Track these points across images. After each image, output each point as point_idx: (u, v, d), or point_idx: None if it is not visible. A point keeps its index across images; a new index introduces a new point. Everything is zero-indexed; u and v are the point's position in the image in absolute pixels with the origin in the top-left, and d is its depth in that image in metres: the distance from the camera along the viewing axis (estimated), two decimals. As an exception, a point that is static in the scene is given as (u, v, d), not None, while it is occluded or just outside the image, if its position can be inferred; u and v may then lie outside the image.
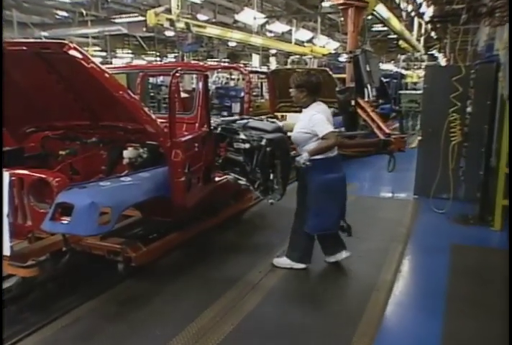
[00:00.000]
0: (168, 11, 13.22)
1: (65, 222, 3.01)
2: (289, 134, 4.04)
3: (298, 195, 4.06)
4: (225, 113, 14.53)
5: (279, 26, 21.54)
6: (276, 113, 8.76)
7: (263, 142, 3.87)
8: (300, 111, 3.96)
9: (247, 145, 4.01)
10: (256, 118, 4.57)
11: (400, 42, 21.10)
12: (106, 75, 3.17)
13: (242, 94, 14.05)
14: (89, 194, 3.12)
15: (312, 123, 3.72)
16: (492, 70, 5.41)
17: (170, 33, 17.97)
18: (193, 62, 18.41)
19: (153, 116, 3.58)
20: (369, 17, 11.83)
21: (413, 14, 17.93)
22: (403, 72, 22.61)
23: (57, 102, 3.74)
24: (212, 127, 4.29)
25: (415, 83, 18.55)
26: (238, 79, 21.09)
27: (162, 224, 4.47)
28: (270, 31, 22.50)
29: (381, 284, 3.86)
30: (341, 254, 4.14)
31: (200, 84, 4.33)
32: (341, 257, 4.15)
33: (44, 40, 3.54)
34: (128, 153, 3.89)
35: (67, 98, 3.59)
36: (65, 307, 3.44)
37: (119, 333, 3.13)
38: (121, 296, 3.65)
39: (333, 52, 24.92)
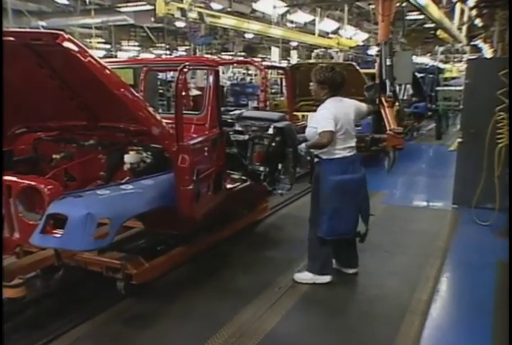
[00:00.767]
0: (179, -1, 13.25)
1: (58, 235, 2.96)
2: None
3: (312, 199, 4.15)
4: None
5: (301, 16, 21.48)
6: (295, 113, 8.68)
7: (270, 131, 3.99)
8: None
9: (246, 136, 4.13)
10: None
11: (439, 32, 20.82)
12: (106, 70, 3.12)
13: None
14: (85, 204, 3.07)
15: (317, 118, 3.90)
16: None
17: (180, 24, 18.02)
18: (206, 56, 18.48)
19: (158, 117, 3.54)
20: (404, 4, 11.68)
21: (454, -1, 17.63)
22: (441, 66, 22.35)
23: (51, 100, 3.72)
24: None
25: (452, 78, 18.29)
26: (255, 75, 21.08)
27: (167, 236, 4.45)
28: (291, 22, 22.47)
29: (416, 305, 3.79)
30: (326, 279, 4.17)
31: (211, 81, 4.29)
32: (325, 281, 4.17)
33: (34, 30, 3.54)
34: (129, 157, 3.84)
35: (61, 96, 3.55)
36: (63, 328, 3.40)
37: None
38: (123, 316, 3.62)
39: (361, 44, 24.78)
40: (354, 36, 24.12)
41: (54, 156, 4.10)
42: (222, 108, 4.53)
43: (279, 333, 3.38)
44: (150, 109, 3.50)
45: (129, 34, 23.98)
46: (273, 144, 4.47)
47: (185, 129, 3.88)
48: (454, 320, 3.67)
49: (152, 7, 13.67)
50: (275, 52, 22.39)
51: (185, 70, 3.70)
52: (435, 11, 15.18)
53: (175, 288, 4.04)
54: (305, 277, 4.16)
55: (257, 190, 5.13)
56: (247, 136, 4.06)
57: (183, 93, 5.76)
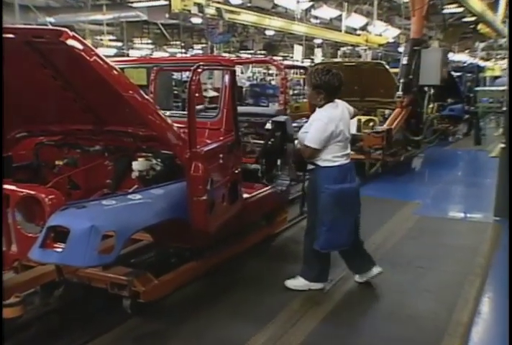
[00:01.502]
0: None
1: (59, 250, 2.93)
2: None
3: (308, 209, 4.25)
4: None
5: (327, 11, 21.45)
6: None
7: (268, 126, 4.17)
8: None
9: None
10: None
11: (479, 26, 20.58)
12: (113, 70, 3.11)
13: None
14: (89, 216, 3.05)
15: (309, 127, 4.01)
16: None
17: (197, 20, 18.10)
18: (223, 54, 18.53)
19: (169, 121, 3.52)
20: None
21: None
22: (481, 63, 22.06)
23: (54, 102, 3.72)
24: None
25: (494, 78, 18.01)
26: (276, 75, 21.10)
27: (177, 250, 4.44)
28: (316, 18, 22.47)
29: (454, 328, 3.71)
30: (371, 272, 4.36)
31: (227, 81, 4.26)
32: (373, 274, 4.36)
33: (36, 27, 3.56)
34: (138, 165, 3.82)
35: (65, 98, 3.55)
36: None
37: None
38: (129, 336, 3.59)
39: (391, 41, 24.63)
40: (384, 32, 24.00)
41: (57, 162, 4.13)
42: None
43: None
44: (161, 113, 3.48)
45: (141, 31, 24.21)
46: (272, 139, 4.65)
47: (199, 134, 3.86)
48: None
49: (167, 2, 13.75)
50: (298, 51, 22.38)
51: (199, 70, 3.67)
52: (476, 3, 14.95)
53: (186, 306, 4.01)
54: (299, 283, 4.26)
55: (276, 200, 5.11)
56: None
57: (197, 95, 5.80)
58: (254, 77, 21.30)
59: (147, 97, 3.36)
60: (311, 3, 19.96)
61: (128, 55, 20.34)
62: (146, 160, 3.85)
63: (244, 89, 17.86)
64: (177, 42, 24.33)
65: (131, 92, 3.20)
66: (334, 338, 3.62)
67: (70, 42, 2.89)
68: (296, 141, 4.25)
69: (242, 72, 23.92)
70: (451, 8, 18.18)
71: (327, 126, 3.92)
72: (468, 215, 7.00)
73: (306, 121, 4.23)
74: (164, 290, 3.89)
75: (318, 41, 25.28)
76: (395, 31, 25.37)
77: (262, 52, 25.87)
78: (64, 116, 3.89)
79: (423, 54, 9.06)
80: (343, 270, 4.65)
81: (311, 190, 4.15)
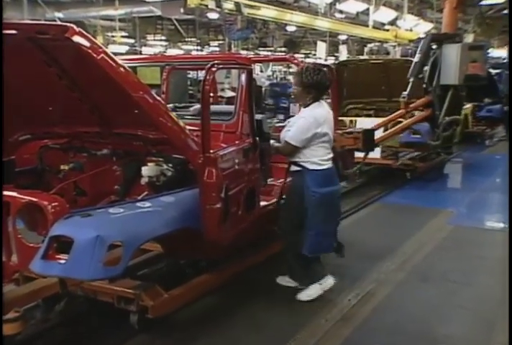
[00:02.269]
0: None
1: (62, 262, 2.92)
2: None
3: (287, 213, 4.33)
4: (281, 117, 14.43)
5: (353, 5, 21.37)
6: (342, 118, 8.57)
7: None
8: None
9: None
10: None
11: (522, 19, 20.28)
12: (122, 69, 3.10)
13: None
14: (94, 225, 3.04)
15: (294, 124, 4.19)
16: None
17: (214, 15, 18.19)
18: (241, 52, 18.55)
19: (181, 123, 3.51)
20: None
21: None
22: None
23: (59, 103, 3.73)
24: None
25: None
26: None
27: (189, 261, 4.45)
28: (341, 12, 22.42)
29: None
30: (329, 281, 4.42)
31: (243, 81, 4.24)
32: (331, 284, 4.43)
33: (40, 22, 3.59)
34: (148, 170, 3.80)
35: (71, 98, 3.55)
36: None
37: None
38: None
39: (423, 36, 24.43)
40: (414, 27, 23.83)
41: (62, 167, 4.12)
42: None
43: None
44: (172, 115, 3.48)
45: (155, 28, 24.38)
46: None
47: (213, 137, 3.84)
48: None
49: (182, -4, 13.81)
50: (321, 48, 22.33)
51: (214, 69, 3.66)
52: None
53: (198, 322, 3.99)
54: (311, 291, 4.34)
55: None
56: None
57: (212, 95, 5.79)
58: (274, 76, 21.26)
59: (157, 98, 3.36)
60: (336, -4, 19.94)
61: (140, 53, 20.47)
62: (156, 165, 3.84)
63: (263, 89, 17.84)
64: (193, 39, 24.44)
65: (141, 92, 3.19)
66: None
67: (76, 38, 2.88)
68: (273, 141, 4.43)
69: (262, 71, 23.97)
70: (489, 0, 17.93)
71: (311, 126, 4.09)
72: (507, 225, 6.87)
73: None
74: (174, 305, 3.87)
75: (343, 37, 25.24)
76: (428, 26, 25.15)
77: (283, 49, 25.86)
78: (70, 118, 3.89)
79: (444, 50, 8.88)
80: (370, 283, 4.66)
81: (296, 194, 4.24)
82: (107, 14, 18.24)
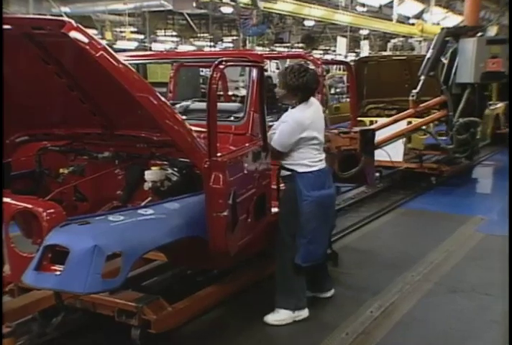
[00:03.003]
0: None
1: (57, 273, 2.88)
2: None
3: (284, 223, 4.24)
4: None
5: (375, -2, 21.29)
6: (362, 118, 8.48)
7: None
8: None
9: None
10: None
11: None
12: (123, 67, 3.08)
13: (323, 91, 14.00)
14: (92, 233, 2.99)
15: (279, 127, 4.20)
16: None
17: (228, 9, 18.19)
18: (257, 48, 18.54)
19: (187, 125, 3.49)
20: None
21: None
22: None
23: (58, 103, 3.73)
24: None
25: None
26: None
27: (196, 272, 4.45)
28: (363, 5, 22.36)
29: None
30: (304, 313, 4.34)
31: (254, 79, 4.19)
32: (304, 317, 4.35)
33: (36, 16, 3.59)
34: (151, 174, 3.77)
35: (71, 98, 3.55)
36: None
37: None
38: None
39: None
40: (442, 21, 23.68)
41: (61, 170, 4.12)
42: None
43: None
44: (178, 116, 3.47)
45: (166, 23, 24.47)
46: None
47: (222, 139, 3.82)
48: None
49: (194, -10, 13.85)
50: (342, 43, 22.28)
51: (221, 66, 3.60)
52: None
53: (203, 339, 3.98)
54: (281, 317, 4.24)
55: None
56: None
57: (223, 94, 5.76)
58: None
59: (161, 98, 3.33)
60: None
61: (150, 49, 20.53)
62: (160, 169, 3.82)
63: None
64: (205, 35, 24.50)
65: (143, 93, 3.17)
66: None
67: (73, 34, 2.86)
68: None
69: (278, 68, 23.91)
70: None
71: (294, 131, 4.09)
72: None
73: None
74: (179, 319, 3.84)
75: (364, 32, 25.13)
76: (457, 19, 24.94)
77: (300, 45, 25.82)
78: (70, 119, 3.90)
79: (461, 45, 8.64)
80: (393, 295, 4.63)
81: (289, 201, 4.21)
82: (116, 9, 18.37)
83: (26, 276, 2.92)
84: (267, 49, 23.64)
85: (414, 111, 8.16)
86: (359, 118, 8.72)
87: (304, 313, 4.29)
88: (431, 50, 8.53)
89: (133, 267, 3.25)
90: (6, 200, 3.18)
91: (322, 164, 4.25)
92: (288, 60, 23.66)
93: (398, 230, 6.88)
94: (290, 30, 24.85)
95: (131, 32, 21.21)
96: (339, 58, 18.51)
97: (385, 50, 23.88)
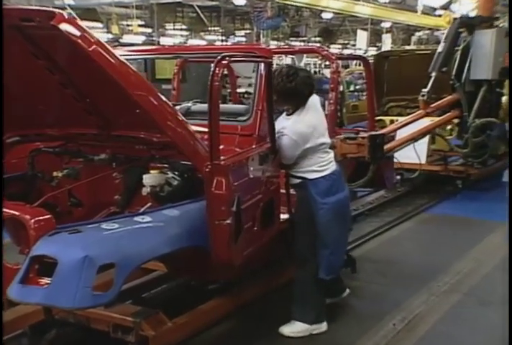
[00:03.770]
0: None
1: (44, 286, 2.84)
2: None
3: (302, 235, 4.20)
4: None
5: (398, -12, 21.19)
6: (382, 118, 8.40)
7: None
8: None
9: None
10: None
11: None
12: (118, 63, 3.05)
13: (341, 88, 13.93)
14: (83, 243, 2.96)
15: (280, 137, 4.08)
16: None
17: (241, 1, 18.21)
18: (271, 42, 18.51)
19: (188, 126, 3.46)
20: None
21: None
22: None
23: (52, 101, 3.72)
24: None
25: None
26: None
27: (199, 283, 4.40)
28: (385, -4, 22.22)
29: None
30: (322, 327, 4.35)
31: (261, 76, 4.13)
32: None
33: (25, 7, 3.57)
34: (150, 178, 3.73)
35: (65, 96, 3.54)
36: None
37: None
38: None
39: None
40: (472, 12, 23.46)
41: (55, 173, 4.08)
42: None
43: None
44: (179, 115, 3.45)
45: (175, 15, 24.53)
46: None
47: (227, 141, 3.82)
48: None
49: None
50: (362, 37, 22.21)
51: (224, 62, 3.55)
52: None
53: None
54: (297, 328, 4.24)
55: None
56: None
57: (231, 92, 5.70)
58: (308, 69, 21.20)
59: (161, 97, 3.31)
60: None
61: (158, 43, 20.59)
62: (160, 173, 3.78)
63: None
64: (217, 28, 24.54)
65: (141, 90, 3.15)
66: None
67: (64, 26, 2.82)
68: None
69: (295, 64, 23.92)
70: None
71: (297, 145, 4.04)
72: None
73: None
74: (179, 335, 3.81)
75: (386, 25, 25.02)
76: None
77: (317, 39, 25.80)
78: (64, 118, 3.89)
79: (476, 37, 8.27)
80: (417, 307, 4.60)
81: (303, 211, 4.18)
82: (122, 1, 18.43)
83: (11, 289, 2.88)
84: (282, 43, 23.60)
85: (424, 112, 7.80)
86: (379, 118, 8.69)
87: (323, 326, 4.28)
88: (442, 43, 8.23)
89: (127, 279, 3.20)
90: (-9, 206, 3.16)
91: (333, 166, 4.21)
92: (305, 56, 23.63)
93: (421, 237, 6.85)
94: (306, 23, 24.81)
95: (139, 26, 21.29)
96: (358, 53, 18.43)
97: (409, 44, 23.78)
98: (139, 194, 3.94)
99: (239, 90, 10.71)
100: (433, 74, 7.99)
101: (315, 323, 4.24)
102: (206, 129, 3.51)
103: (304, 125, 4.09)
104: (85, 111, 3.65)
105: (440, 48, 8.15)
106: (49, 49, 3.20)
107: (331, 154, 4.28)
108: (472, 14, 12.23)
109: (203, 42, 24.90)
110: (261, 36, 17.71)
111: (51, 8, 2.90)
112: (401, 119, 7.89)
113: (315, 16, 24.00)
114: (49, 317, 3.38)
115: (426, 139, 8.10)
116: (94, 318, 3.66)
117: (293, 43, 25.49)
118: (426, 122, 7.74)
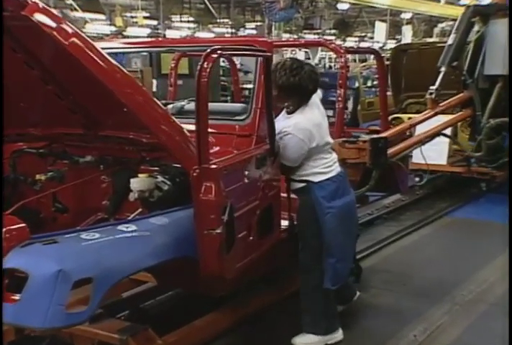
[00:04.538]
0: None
1: (12, 303, 2.73)
2: None
3: (306, 243, 4.19)
4: (330, 113, 14.21)
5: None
6: (398, 115, 8.30)
7: None
8: None
9: None
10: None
11: None
12: (99, 57, 2.99)
13: (356, 84, 13.81)
14: (57, 255, 2.85)
15: (282, 137, 4.04)
16: None
17: (251, -8, 18.14)
18: (284, 35, 18.43)
19: (178, 125, 3.42)
20: None
21: None
22: None
23: (33, 98, 3.70)
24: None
25: None
26: (354, 60, 20.84)
27: (193, 296, 4.43)
28: (405, -15, 22.08)
29: None
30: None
31: (260, 72, 4.04)
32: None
33: None
34: (137, 183, 3.64)
35: (47, 93, 3.52)
36: None
37: None
38: None
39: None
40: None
41: (38, 176, 4.03)
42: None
43: None
44: (168, 114, 3.44)
45: (181, 7, 24.57)
46: None
47: (224, 142, 3.88)
48: None
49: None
50: (381, 29, 22.07)
51: (214, 55, 3.46)
52: None
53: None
54: (310, 340, 4.23)
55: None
56: None
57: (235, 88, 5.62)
58: (322, 64, 21.16)
59: (149, 95, 3.33)
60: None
61: (164, 36, 20.60)
62: (149, 177, 3.70)
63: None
64: (226, 20, 24.56)
65: (125, 87, 3.13)
66: None
67: (38, 16, 2.79)
68: None
69: (309, 58, 23.84)
70: None
71: (302, 144, 3.99)
72: None
73: None
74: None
75: (407, 16, 24.89)
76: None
77: (332, 31, 25.73)
78: (48, 117, 3.89)
79: (490, 28, 7.81)
80: (440, 317, 4.63)
81: (307, 217, 4.12)
82: (126, -9, 18.43)
83: (-24, 306, 2.81)
84: (295, 36, 23.56)
85: (433, 111, 7.41)
86: (396, 115, 8.56)
87: (338, 335, 4.28)
88: (453, 35, 7.83)
89: (107, 296, 3.05)
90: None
91: (338, 167, 4.21)
92: (319, 50, 23.54)
93: (443, 242, 6.86)
94: (321, 15, 24.71)
95: (144, 18, 21.32)
96: (376, 46, 18.32)
97: (431, 36, 23.70)
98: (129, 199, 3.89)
99: (248, 86, 10.64)
100: (443, 69, 7.69)
101: (328, 333, 4.24)
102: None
103: (310, 123, 4.04)
104: (69, 109, 3.63)
105: (450, 40, 7.80)
106: (26, 42, 3.16)
107: (335, 155, 4.27)
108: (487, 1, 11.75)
109: (212, 35, 24.90)
110: (273, 28, 17.63)
111: None
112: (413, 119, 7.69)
113: (330, 7, 23.94)
114: (18, 334, 3.34)
115: (447, 138, 7.94)
116: (78, 335, 3.60)
117: (306, 36, 25.40)
118: (440, 120, 7.50)
